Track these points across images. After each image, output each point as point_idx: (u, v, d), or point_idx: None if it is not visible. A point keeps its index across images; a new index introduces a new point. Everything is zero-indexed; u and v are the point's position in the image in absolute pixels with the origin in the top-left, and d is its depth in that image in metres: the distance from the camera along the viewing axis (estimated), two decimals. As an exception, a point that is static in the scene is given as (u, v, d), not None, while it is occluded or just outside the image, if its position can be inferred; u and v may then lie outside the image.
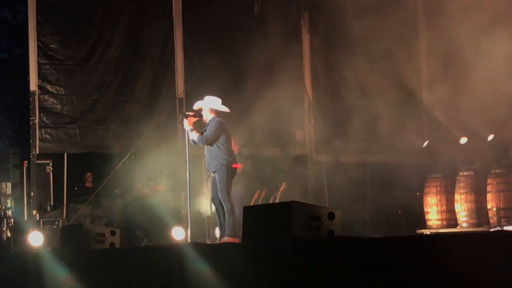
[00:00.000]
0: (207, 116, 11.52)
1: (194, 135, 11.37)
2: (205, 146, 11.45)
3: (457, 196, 14.73)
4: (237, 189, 13.51)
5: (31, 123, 14.96)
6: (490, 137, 15.57)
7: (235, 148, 13.22)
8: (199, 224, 14.68)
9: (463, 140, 16.01)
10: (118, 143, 15.50)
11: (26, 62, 15.30)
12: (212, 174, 11.53)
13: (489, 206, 14.21)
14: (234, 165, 11.49)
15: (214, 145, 11.37)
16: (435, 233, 14.63)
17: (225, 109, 11.64)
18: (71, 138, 15.26)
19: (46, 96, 15.12)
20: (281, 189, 14.80)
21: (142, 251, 10.26)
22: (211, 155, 11.42)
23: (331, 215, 8.42)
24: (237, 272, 7.98)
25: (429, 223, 15.21)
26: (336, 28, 17.60)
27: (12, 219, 15.10)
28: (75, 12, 15.46)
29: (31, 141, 14.96)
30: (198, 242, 12.04)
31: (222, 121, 11.49)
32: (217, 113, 11.55)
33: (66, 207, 15.31)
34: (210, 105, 11.55)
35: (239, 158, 13.82)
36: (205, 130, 11.43)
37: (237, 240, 11.10)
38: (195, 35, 16.44)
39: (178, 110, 15.86)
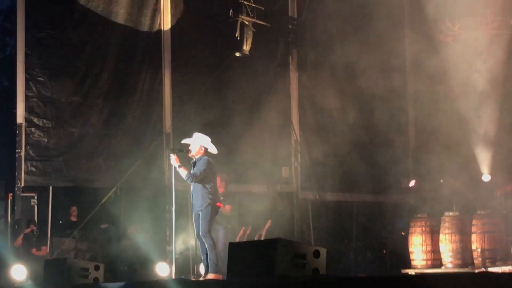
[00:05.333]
0: (196, 153, 11.50)
1: (181, 172, 11.35)
2: (191, 184, 11.42)
3: (442, 236, 14.72)
4: (221, 226, 13.49)
5: (17, 156, 14.88)
6: (486, 177, 15.69)
7: (221, 185, 13.23)
8: (183, 261, 14.61)
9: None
10: (104, 177, 15.43)
11: (13, 95, 15.25)
12: (196, 212, 11.48)
13: (474, 247, 14.21)
14: (217, 204, 11.47)
15: (200, 184, 11.34)
16: (419, 273, 14.58)
17: (214, 149, 11.63)
18: (57, 171, 15.19)
19: (33, 129, 15.06)
20: (267, 226, 14.76)
21: (126, 286, 10.19)
22: (196, 194, 11.40)
23: (317, 253, 8.40)
24: (221, 309, 7.94)
25: (414, 263, 15.18)
26: (324, 66, 17.68)
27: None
28: (64, 45, 15.44)
29: (16, 173, 14.86)
30: (183, 278, 12.00)
31: (211, 160, 11.47)
32: (206, 150, 11.55)
33: (50, 240, 15.20)
34: (201, 142, 11.54)
35: (228, 197, 13.82)
36: (193, 167, 11.41)
37: (220, 276, 11.07)
38: (183, 71, 16.48)
39: (165, 145, 15.85)
